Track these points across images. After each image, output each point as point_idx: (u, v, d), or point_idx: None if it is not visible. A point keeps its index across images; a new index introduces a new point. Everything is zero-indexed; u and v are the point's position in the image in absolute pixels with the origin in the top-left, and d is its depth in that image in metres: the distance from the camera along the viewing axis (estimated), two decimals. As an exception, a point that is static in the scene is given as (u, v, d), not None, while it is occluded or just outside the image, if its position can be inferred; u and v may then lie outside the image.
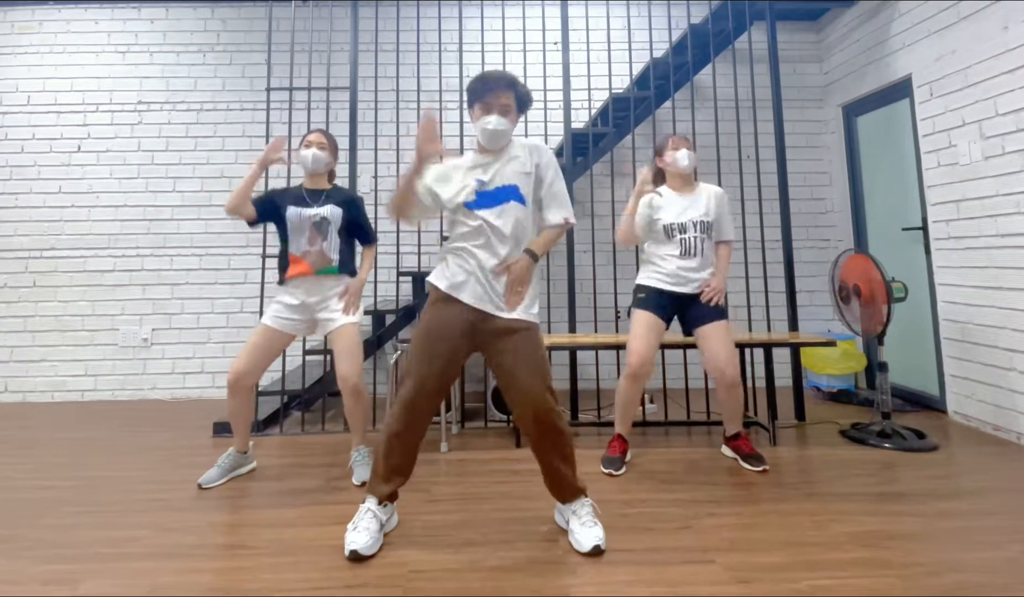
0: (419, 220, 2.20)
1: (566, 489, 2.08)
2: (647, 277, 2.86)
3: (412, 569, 1.89)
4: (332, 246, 2.68)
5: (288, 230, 2.68)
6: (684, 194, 2.86)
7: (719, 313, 2.78)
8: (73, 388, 4.42)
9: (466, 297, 2.04)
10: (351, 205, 2.77)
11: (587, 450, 2.99)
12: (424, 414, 2.03)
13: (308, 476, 2.74)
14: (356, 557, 1.91)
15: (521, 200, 2.07)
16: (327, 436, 3.37)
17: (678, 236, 2.79)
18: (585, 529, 1.99)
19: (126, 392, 4.44)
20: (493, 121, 2.04)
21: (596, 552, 1.94)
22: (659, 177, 2.95)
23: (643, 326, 2.77)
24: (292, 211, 2.67)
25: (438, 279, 2.10)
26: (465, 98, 2.18)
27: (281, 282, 2.70)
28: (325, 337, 2.83)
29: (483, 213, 2.04)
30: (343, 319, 2.66)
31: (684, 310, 2.84)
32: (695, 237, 2.78)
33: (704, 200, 2.85)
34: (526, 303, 2.08)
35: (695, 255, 2.79)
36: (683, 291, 2.79)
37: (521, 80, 2.15)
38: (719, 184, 3.63)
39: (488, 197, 2.06)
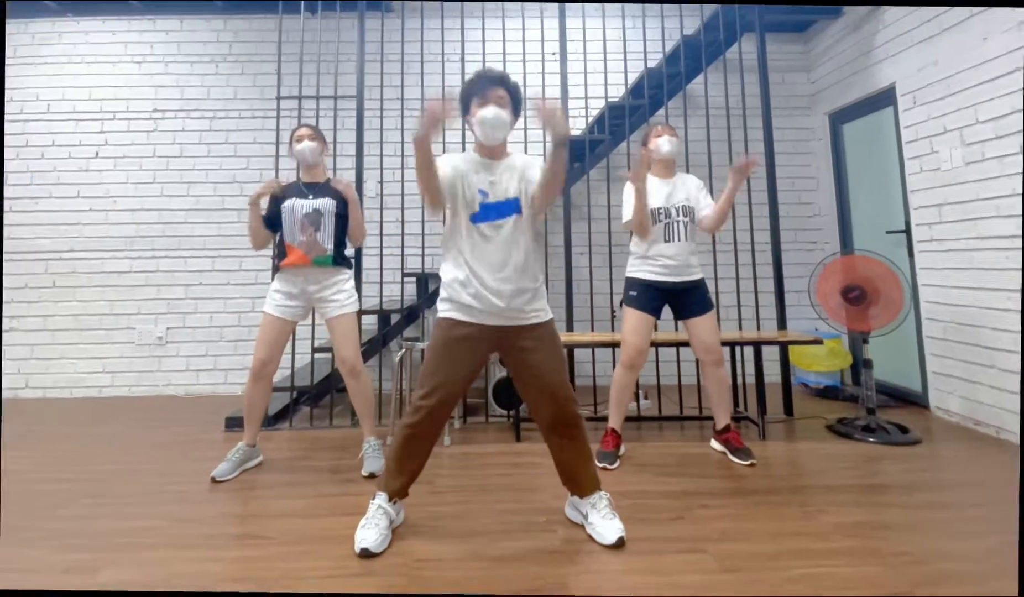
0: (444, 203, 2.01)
1: (588, 481, 2.06)
2: (637, 269, 2.85)
3: (417, 559, 1.88)
4: (326, 235, 2.69)
5: (283, 220, 2.69)
6: (666, 180, 2.88)
7: (708, 305, 2.83)
8: (91, 385, 4.41)
9: (483, 319, 1.98)
10: (343, 199, 2.79)
11: (584, 444, 2.99)
12: (442, 421, 2.02)
13: (317, 469, 2.73)
14: (367, 554, 1.88)
15: (520, 211, 2.00)
16: (335, 430, 3.36)
17: (662, 221, 2.79)
18: (606, 522, 1.97)
19: (142, 388, 4.43)
20: (492, 111, 1.94)
21: (620, 544, 1.91)
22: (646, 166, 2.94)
23: (636, 322, 2.79)
24: (288, 203, 2.69)
25: (449, 311, 2.01)
26: (459, 108, 2.05)
27: (276, 269, 2.73)
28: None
29: (485, 227, 1.97)
30: (339, 310, 2.70)
31: (675, 299, 2.85)
32: (679, 221, 2.79)
33: (684, 186, 2.88)
34: (540, 302, 2.04)
35: (679, 240, 2.79)
36: (672, 281, 2.80)
37: (512, 78, 2.05)
38: (711, 191, 3.63)
39: (491, 210, 1.98)
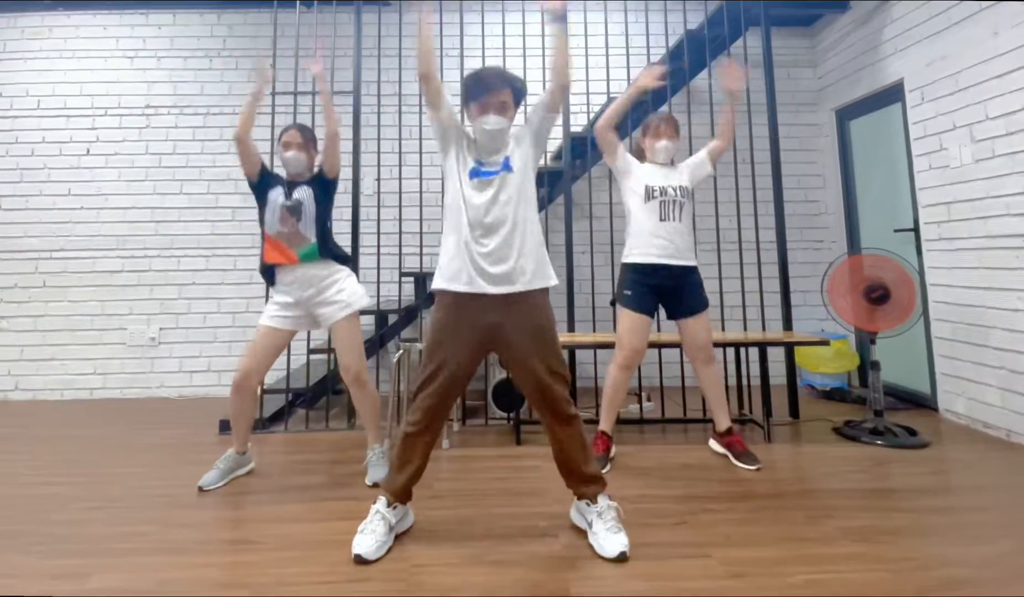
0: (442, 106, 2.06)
1: (582, 478, 2.04)
2: (632, 253, 2.84)
3: (414, 564, 1.89)
4: (307, 224, 2.63)
5: (267, 209, 2.65)
6: (664, 166, 2.92)
7: (702, 303, 2.83)
8: (82, 386, 4.42)
9: (468, 287, 2.00)
10: (317, 179, 2.71)
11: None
12: (443, 413, 2.02)
13: (312, 472, 2.74)
14: (360, 561, 1.89)
15: (509, 168, 2.01)
16: (331, 433, 3.37)
17: (658, 199, 2.80)
18: (611, 535, 1.93)
19: (134, 390, 4.44)
20: (492, 121, 2.00)
21: (622, 559, 1.87)
22: (639, 154, 3.00)
23: (632, 323, 2.77)
24: (272, 194, 2.65)
25: (444, 282, 2.07)
26: (460, 96, 2.13)
27: (271, 281, 2.71)
28: (329, 334, 2.80)
29: (475, 182, 2.00)
30: (339, 313, 2.63)
31: (670, 294, 2.83)
32: (675, 201, 2.80)
33: (683, 172, 2.92)
34: (533, 268, 2.01)
35: (675, 219, 2.79)
36: (668, 262, 2.77)
37: (517, 75, 2.10)
38: (715, 188, 3.64)
39: (481, 173, 2.02)
